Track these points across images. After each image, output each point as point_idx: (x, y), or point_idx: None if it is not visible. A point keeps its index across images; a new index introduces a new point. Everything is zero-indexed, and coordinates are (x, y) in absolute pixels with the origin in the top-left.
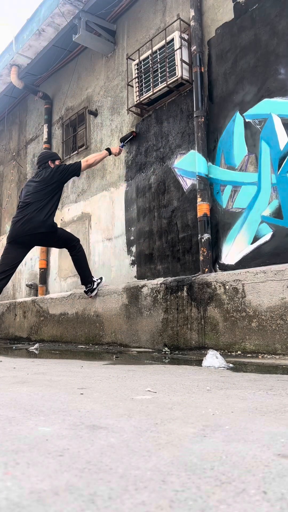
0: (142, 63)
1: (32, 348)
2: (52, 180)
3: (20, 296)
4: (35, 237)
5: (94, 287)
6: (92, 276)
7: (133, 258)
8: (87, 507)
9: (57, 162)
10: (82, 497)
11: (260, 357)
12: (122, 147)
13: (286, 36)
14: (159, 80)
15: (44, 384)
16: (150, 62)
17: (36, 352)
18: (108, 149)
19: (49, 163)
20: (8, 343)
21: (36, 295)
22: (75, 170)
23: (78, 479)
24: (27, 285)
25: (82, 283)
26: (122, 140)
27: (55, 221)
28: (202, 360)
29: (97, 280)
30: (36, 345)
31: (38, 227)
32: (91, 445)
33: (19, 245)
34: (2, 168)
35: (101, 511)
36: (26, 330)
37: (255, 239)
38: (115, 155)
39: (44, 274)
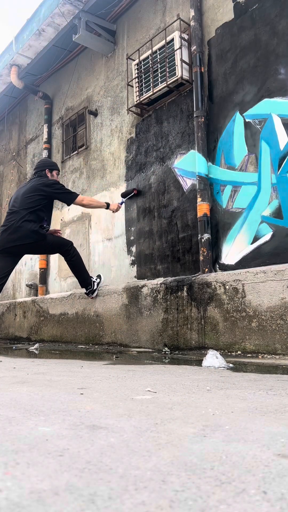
0: (142, 63)
1: (32, 348)
2: (41, 192)
3: (20, 296)
4: (23, 247)
5: (94, 288)
6: (91, 277)
7: (133, 258)
8: (87, 507)
9: (54, 173)
10: (82, 497)
11: (260, 357)
12: (121, 203)
13: (286, 36)
14: (159, 80)
15: (44, 384)
16: (150, 62)
17: (36, 352)
18: (107, 204)
19: (46, 171)
20: (8, 343)
21: (36, 295)
22: (68, 199)
23: (78, 479)
24: (27, 285)
25: (82, 287)
26: (123, 195)
27: (51, 224)
28: (202, 360)
29: (96, 280)
30: (36, 345)
31: (25, 237)
32: (91, 445)
33: (8, 254)
34: (2, 168)
35: (101, 511)
36: (26, 330)
37: (255, 239)
38: (112, 211)
39: (44, 274)
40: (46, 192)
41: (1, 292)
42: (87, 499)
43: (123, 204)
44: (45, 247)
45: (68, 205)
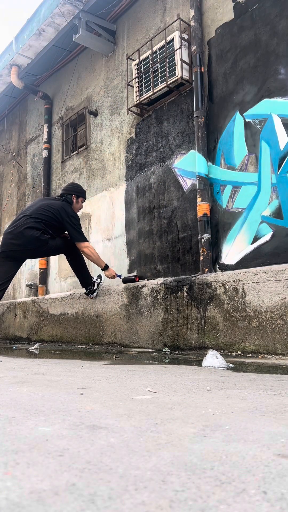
0: (142, 63)
1: (32, 348)
2: (58, 213)
3: (20, 296)
4: (25, 253)
5: (94, 288)
6: (92, 277)
7: (133, 258)
8: (87, 507)
9: (80, 200)
10: (82, 497)
11: (260, 357)
12: (118, 276)
13: (286, 36)
14: (159, 80)
15: (44, 384)
16: (150, 62)
17: (36, 352)
18: (106, 265)
19: (73, 197)
20: (8, 343)
21: (36, 295)
22: (74, 236)
23: (78, 479)
24: (27, 285)
25: (82, 286)
26: (124, 280)
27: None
28: (202, 360)
29: (96, 280)
30: (36, 345)
31: (27, 243)
32: (91, 445)
33: (10, 258)
34: (2, 168)
35: (101, 511)
36: (26, 330)
37: (255, 239)
38: (107, 276)
39: (44, 274)
40: (62, 218)
41: (0, 299)
42: (87, 499)
43: (120, 278)
44: (47, 252)
45: (72, 240)
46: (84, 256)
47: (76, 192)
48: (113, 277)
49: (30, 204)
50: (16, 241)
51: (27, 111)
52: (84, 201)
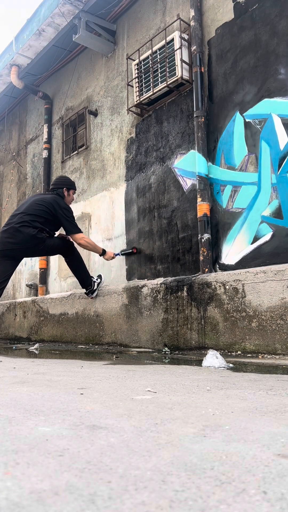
0: (142, 63)
1: (32, 348)
2: (51, 207)
3: (20, 296)
4: (21, 251)
5: (94, 288)
6: (92, 277)
7: (133, 258)
8: (87, 507)
9: (71, 192)
10: (82, 497)
11: (260, 357)
12: (116, 255)
13: (286, 36)
14: (159, 80)
15: (44, 384)
16: (150, 62)
17: (36, 352)
18: (103, 250)
19: (64, 190)
20: (8, 343)
21: (36, 295)
22: (69, 229)
23: (78, 479)
24: (27, 285)
25: (82, 287)
26: (122, 252)
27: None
28: (202, 360)
29: (96, 280)
30: (36, 345)
31: (24, 241)
32: (91, 445)
33: (8, 257)
34: (2, 168)
35: (101, 511)
36: (26, 330)
37: (255, 239)
38: (106, 259)
39: (44, 274)
40: (55, 211)
41: (2, 294)
42: (87, 499)
43: (119, 256)
44: (45, 251)
45: (67, 234)
46: (81, 248)
47: (67, 185)
48: (113, 257)
49: (23, 201)
50: (12, 239)
51: (27, 111)
52: (75, 193)
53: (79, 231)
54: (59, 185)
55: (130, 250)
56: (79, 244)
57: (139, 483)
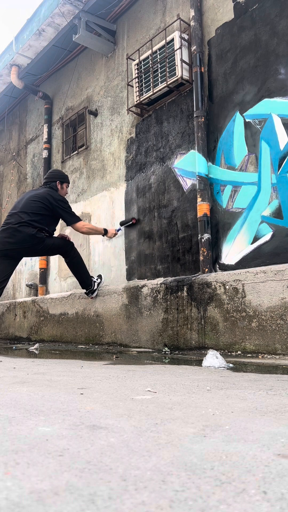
0: (142, 63)
1: (32, 348)
2: (47, 202)
3: (20, 296)
4: (21, 251)
5: (94, 288)
6: (92, 277)
7: (133, 258)
8: (87, 507)
9: (65, 185)
10: (82, 497)
11: (260, 357)
12: (118, 230)
13: (286, 36)
14: (159, 80)
15: (44, 384)
16: (150, 62)
17: (36, 352)
18: (105, 230)
19: (57, 183)
20: (8, 343)
21: (36, 295)
22: (68, 220)
23: (78, 479)
24: (27, 285)
25: (82, 287)
26: (122, 223)
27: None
28: (202, 360)
29: (96, 279)
30: (36, 345)
31: (23, 241)
32: (91, 445)
33: (7, 257)
34: (2, 168)
35: (101, 511)
36: (26, 330)
37: (255, 239)
38: (109, 237)
39: (44, 274)
40: (51, 205)
41: (2, 294)
42: (87, 499)
43: (120, 231)
44: (44, 251)
45: (67, 225)
46: (85, 234)
47: (59, 178)
48: (115, 234)
49: (17, 200)
50: (11, 239)
51: (27, 111)
52: (68, 186)
53: (79, 219)
54: (52, 179)
55: (130, 222)
56: (82, 232)
57: (139, 483)
